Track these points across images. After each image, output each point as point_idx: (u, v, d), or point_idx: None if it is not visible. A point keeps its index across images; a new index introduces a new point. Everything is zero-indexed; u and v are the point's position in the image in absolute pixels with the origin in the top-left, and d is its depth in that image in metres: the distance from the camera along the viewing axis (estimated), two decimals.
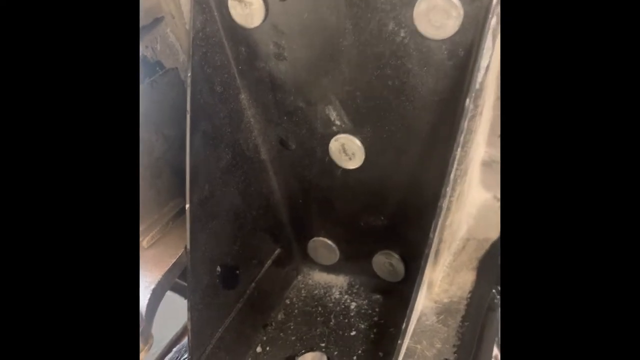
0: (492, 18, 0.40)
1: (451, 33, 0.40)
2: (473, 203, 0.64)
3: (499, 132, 0.55)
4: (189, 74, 0.46)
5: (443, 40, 0.41)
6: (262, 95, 0.50)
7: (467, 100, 0.42)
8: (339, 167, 0.51)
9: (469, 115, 0.43)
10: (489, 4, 0.40)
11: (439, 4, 0.40)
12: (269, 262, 0.56)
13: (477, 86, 0.41)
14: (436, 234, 0.48)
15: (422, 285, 0.51)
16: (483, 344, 0.57)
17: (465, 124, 0.43)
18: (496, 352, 0.59)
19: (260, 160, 0.53)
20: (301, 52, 0.46)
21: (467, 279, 0.58)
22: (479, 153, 0.57)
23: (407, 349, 0.52)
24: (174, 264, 0.49)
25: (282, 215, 0.57)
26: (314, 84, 0.48)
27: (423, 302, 0.56)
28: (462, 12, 0.40)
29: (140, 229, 0.55)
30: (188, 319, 0.46)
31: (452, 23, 0.41)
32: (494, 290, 0.60)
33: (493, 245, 0.61)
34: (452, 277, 0.58)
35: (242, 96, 0.51)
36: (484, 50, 0.40)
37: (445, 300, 0.56)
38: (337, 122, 0.48)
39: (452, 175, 0.46)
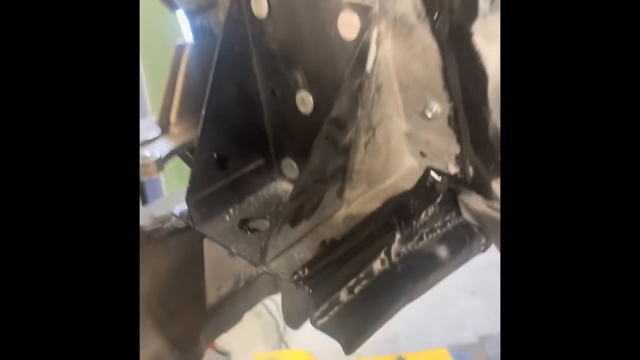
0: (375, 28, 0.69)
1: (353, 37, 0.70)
2: (405, 167, 0.92)
3: (411, 112, 0.82)
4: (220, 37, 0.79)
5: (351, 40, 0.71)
6: (263, 60, 0.82)
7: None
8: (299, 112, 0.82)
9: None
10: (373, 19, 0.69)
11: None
12: (251, 165, 0.88)
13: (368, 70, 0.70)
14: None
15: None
16: None
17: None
18: None
19: (256, 101, 0.86)
20: (283, 38, 0.78)
21: (374, 205, 0.87)
22: (398, 127, 0.85)
23: None
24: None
25: (268, 140, 0.89)
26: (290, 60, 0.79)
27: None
28: (357, 25, 0.70)
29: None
30: (190, 175, 0.80)
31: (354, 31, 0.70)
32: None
33: (406, 191, 0.89)
34: (365, 204, 0.87)
35: (254, 60, 0.84)
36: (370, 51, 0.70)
37: (354, 212, 0.85)
38: (300, 81, 0.80)
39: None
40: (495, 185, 0.87)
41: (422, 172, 0.91)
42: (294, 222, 0.76)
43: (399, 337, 3.25)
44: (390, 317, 0.83)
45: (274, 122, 0.86)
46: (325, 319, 0.77)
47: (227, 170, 0.84)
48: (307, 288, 0.74)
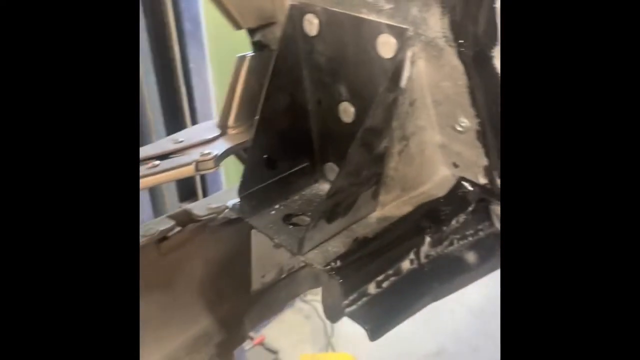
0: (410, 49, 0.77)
1: (390, 56, 0.79)
2: (439, 176, 1.00)
3: (444, 125, 0.90)
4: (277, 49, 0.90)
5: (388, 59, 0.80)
6: (312, 73, 0.92)
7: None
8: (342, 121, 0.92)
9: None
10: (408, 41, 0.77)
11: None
12: (297, 167, 0.99)
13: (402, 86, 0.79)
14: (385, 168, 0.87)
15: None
16: None
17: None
18: None
19: (305, 109, 0.96)
20: (330, 54, 0.88)
21: (407, 209, 0.94)
22: (432, 139, 0.92)
23: None
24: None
25: (313, 146, 0.99)
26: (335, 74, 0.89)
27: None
28: (394, 46, 0.78)
29: None
30: (243, 172, 0.90)
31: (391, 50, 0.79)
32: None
33: (438, 198, 0.96)
34: (398, 207, 0.94)
35: (304, 72, 0.94)
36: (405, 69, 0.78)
37: (387, 215, 0.93)
38: (343, 93, 0.89)
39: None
40: None
41: (454, 182, 0.98)
42: (330, 218, 0.85)
43: (446, 350, 3.27)
44: (414, 312, 0.91)
45: (319, 129, 0.96)
46: (354, 307, 0.85)
47: (275, 170, 0.95)
48: (338, 278, 0.83)
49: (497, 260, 1.05)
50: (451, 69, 0.77)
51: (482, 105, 0.79)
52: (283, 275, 1.10)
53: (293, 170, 0.97)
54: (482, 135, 0.84)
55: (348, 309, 0.85)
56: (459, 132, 0.87)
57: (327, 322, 3.29)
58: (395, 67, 0.78)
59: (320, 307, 3.36)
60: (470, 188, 0.97)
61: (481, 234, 1.06)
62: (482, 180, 0.93)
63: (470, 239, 1.04)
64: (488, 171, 0.90)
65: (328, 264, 0.83)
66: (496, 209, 1.00)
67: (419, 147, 0.91)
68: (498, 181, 0.91)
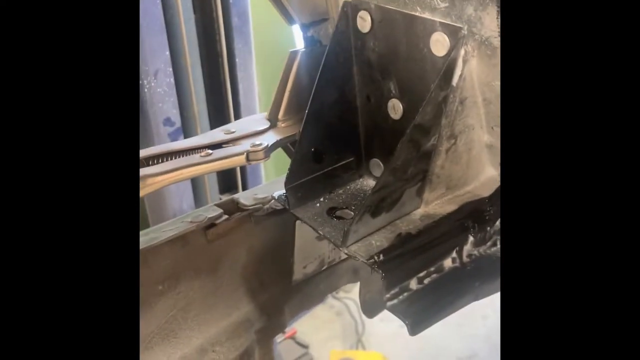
0: (463, 48, 0.78)
1: (443, 54, 0.79)
2: (485, 176, 1.00)
3: (493, 125, 0.90)
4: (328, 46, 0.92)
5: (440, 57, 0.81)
6: (362, 69, 0.94)
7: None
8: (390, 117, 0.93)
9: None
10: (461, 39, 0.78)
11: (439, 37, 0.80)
12: (344, 161, 1.00)
13: (454, 84, 0.79)
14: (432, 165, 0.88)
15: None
16: None
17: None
18: None
19: (353, 105, 0.97)
20: (381, 50, 0.89)
21: (451, 208, 0.95)
22: (480, 138, 0.92)
23: None
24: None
25: (360, 141, 1.00)
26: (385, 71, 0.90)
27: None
28: (447, 44, 0.79)
29: None
30: (290, 164, 0.93)
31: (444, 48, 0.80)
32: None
33: (483, 198, 0.96)
34: (442, 206, 0.95)
35: (354, 68, 0.95)
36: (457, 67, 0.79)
37: (431, 212, 0.94)
38: (393, 90, 0.91)
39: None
40: None
41: (500, 183, 0.98)
42: (374, 213, 0.87)
43: (477, 355, 3.24)
44: (455, 310, 0.91)
45: (366, 124, 0.98)
46: (395, 301, 0.86)
47: (322, 163, 0.96)
48: (380, 272, 0.84)
49: None
50: None
51: None
52: (324, 267, 1.12)
53: (339, 164, 0.99)
54: None
55: (389, 303, 0.86)
56: None
57: (359, 319, 3.30)
58: (448, 66, 0.78)
59: (352, 305, 3.37)
60: None
61: None
62: None
63: None
64: None
65: (371, 258, 0.84)
66: None
67: (466, 145, 0.92)
68: None
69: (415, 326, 0.85)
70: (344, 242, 0.86)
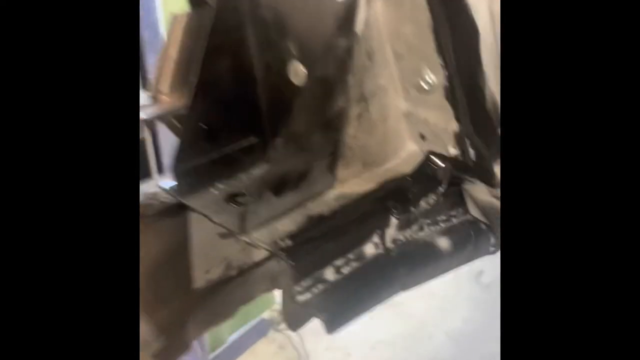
0: None
1: None
2: (406, 152, 0.89)
3: (408, 86, 0.79)
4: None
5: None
6: (258, 31, 0.82)
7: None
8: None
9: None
10: None
11: None
12: (245, 142, 0.86)
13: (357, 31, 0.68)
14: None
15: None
16: None
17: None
18: None
19: (252, 74, 0.84)
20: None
21: (369, 186, 0.83)
22: (395, 104, 0.82)
23: None
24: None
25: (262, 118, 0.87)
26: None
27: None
28: None
29: None
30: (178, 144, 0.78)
31: None
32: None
33: (404, 175, 0.85)
34: (359, 184, 0.83)
35: (248, 31, 0.83)
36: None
37: (347, 192, 0.81)
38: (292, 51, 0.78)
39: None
40: (498, 170, 0.82)
41: (422, 157, 0.87)
42: (278, 190, 0.73)
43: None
44: (379, 301, 0.78)
45: (269, 99, 0.84)
46: (308, 295, 0.72)
47: (217, 143, 0.82)
48: (287, 259, 0.70)
49: (473, 248, 0.94)
50: (412, 6, 0.67)
51: (447, 49, 0.68)
52: (233, 273, 0.96)
53: (239, 145, 0.85)
54: (450, 93, 0.74)
55: (301, 297, 0.72)
56: (425, 91, 0.77)
57: (303, 352, 3.11)
58: (348, 9, 0.67)
59: (294, 336, 3.17)
60: (440, 164, 0.86)
61: (454, 220, 0.95)
62: (453, 150, 0.82)
63: (442, 225, 0.93)
64: (459, 138, 0.80)
65: (276, 243, 0.70)
66: (470, 190, 0.89)
67: (380, 112, 0.80)
68: (471, 151, 0.80)
69: (333, 322, 0.71)
70: (242, 226, 0.72)
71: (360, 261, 0.78)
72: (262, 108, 0.85)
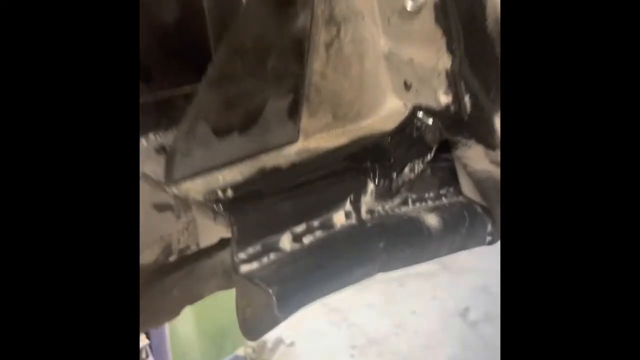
0: None
1: None
2: (387, 109, 0.73)
3: (389, 13, 0.64)
4: None
5: None
6: None
7: None
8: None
9: None
10: None
11: None
12: (187, 87, 0.70)
13: None
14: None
15: None
16: None
17: None
18: None
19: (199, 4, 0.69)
20: None
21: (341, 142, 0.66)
22: (375, 40, 0.66)
23: None
24: None
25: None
26: None
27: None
28: None
29: None
30: None
31: None
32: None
33: (385, 132, 0.69)
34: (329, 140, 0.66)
35: None
36: None
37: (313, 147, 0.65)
38: None
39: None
40: (499, 123, 0.67)
41: (407, 114, 0.71)
42: (219, 129, 0.56)
43: None
44: (351, 281, 0.61)
45: (218, 31, 0.69)
46: (255, 265, 0.55)
47: (150, 84, 0.66)
48: (227, 215, 0.53)
49: (467, 232, 0.77)
50: None
51: None
52: (172, 257, 0.77)
53: (179, 91, 0.69)
54: (441, 12, 0.59)
55: (244, 267, 0.54)
56: (409, 17, 0.61)
57: None
58: None
59: None
60: (427, 121, 0.70)
61: (444, 200, 0.78)
62: (444, 98, 0.66)
63: (430, 203, 0.76)
64: (451, 80, 0.64)
65: (213, 193, 0.53)
66: (464, 157, 0.73)
67: (355, 47, 0.65)
68: (466, 98, 0.65)
69: (285, 298, 0.53)
70: (169, 173, 0.54)
71: (326, 230, 0.61)
72: (208, 43, 0.69)
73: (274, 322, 0.84)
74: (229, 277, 0.90)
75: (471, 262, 3.42)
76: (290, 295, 0.53)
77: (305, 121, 0.64)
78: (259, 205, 0.55)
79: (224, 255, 0.88)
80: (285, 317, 0.52)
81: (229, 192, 0.53)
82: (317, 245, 0.59)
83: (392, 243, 0.64)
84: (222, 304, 2.40)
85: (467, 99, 0.64)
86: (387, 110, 0.72)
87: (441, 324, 2.98)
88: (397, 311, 3.09)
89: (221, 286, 0.90)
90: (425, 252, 0.69)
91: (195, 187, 0.54)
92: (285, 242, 0.57)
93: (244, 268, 0.53)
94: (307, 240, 0.59)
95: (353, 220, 0.64)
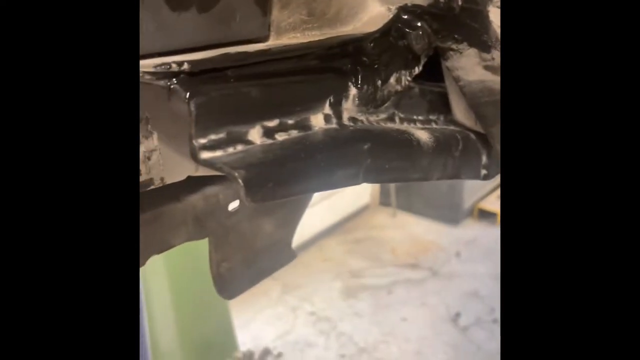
0: None
1: None
2: (369, 15, 0.66)
3: None
4: None
5: None
6: None
7: None
8: None
9: None
10: None
11: None
12: None
13: None
14: None
15: None
16: None
17: None
18: None
19: None
20: None
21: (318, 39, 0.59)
22: None
23: None
24: None
25: None
26: None
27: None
28: None
29: None
30: None
31: None
32: None
33: (366, 34, 0.61)
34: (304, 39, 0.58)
35: None
36: None
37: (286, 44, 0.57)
38: None
39: None
40: (495, 16, 0.60)
41: (391, 18, 0.64)
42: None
43: None
44: (331, 185, 0.52)
45: None
46: (218, 152, 0.46)
47: None
48: (182, 90, 0.44)
49: (460, 161, 0.69)
50: None
51: None
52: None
53: None
54: None
55: (206, 154, 0.46)
56: None
57: None
58: None
59: None
60: (415, 24, 0.63)
61: (434, 125, 0.71)
62: None
63: (420, 125, 0.69)
64: None
65: (164, 64, 0.45)
66: (456, 67, 0.65)
67: None
68: None
69: (254, 184, 0.44)
70: None
71: (303, 131, 0.53)
72: None
73: (251, 280, 0.75)
74: (201, 225, 0.82)
75: (460, 267, 3.35)
76: (261, 182, 0.44)
77: (276, 14, 0.57)
78: (223, 87, 0.47)
79: (195, 199, 0.79)
80: (254, 200, 0.43)
81: (186, 66, 0.45)
82: (292, 141, 0.51)
83: (377, 148, 0.56)
84: (206, 313, 2.29)
85: None
86: (368, 16, 0.65)
87: (432, 331, 2.89)
88: (387, 319, 3.00)
89: (192, 236, 0.81)
90: (417, 167, 0.61)
91: (145, 63, 0.46)
92: (255, 135, 0.49)
93: (205, 154, 0.45)
94: (280, 137, 0.51)
95: (333, 124, 0.56)
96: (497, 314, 2.90)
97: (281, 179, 0.46)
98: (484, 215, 3.94)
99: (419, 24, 0.62)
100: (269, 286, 3.18)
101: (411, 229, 3.88)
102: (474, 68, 0.63)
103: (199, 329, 2.24)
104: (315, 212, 3.51)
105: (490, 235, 3.68)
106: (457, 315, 3.00)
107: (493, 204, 3.94)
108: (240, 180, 0.43)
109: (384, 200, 4.16)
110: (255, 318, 2.96)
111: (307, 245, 3.59)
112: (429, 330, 2.89)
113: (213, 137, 0.46)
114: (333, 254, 3.61)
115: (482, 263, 3.34)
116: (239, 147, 0.48)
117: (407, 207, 4.03)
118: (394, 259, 3.54)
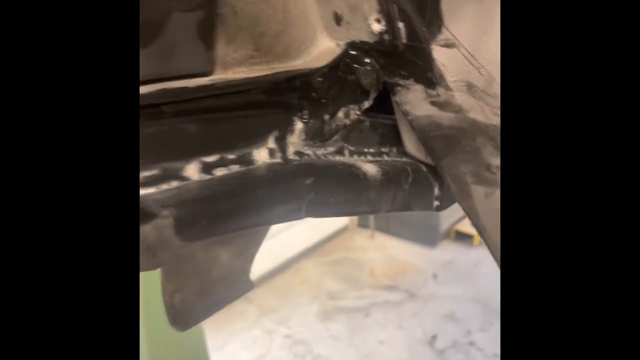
0: None
1: None
2: (318, 50, 0.66)
3: None
4: None
5: None
6: None
7: None
8: None
9: None
10: None
11: None
12: None
13: None
14: None
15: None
16: None
17: None
18: None
19: None
20: None
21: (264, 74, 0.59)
22: None
23: None
24: None
25: None
26: None
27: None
28: None
29: None
30: None
31: None
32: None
33: (314, 69, 0.62)
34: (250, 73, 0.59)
35: None
36: None
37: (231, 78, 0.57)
38: None
39: None
40: (439, 54, 0.61)
41: (339, 52, 0.64)
42: None
43: None
44: (272, 220, 0.52)
45: None
46: (150, 189, 0.46)
47: None
48: None
49: (410, 192, 0.70)
50: None
51: None
52: None
53: None
54: None
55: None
56: None
57: None
58: None
59: None
60: (363, 60, 0.64)
61: (385, 157, 0.71)
62: (377, 26, 0.60)
63: (370, 157, 0.69)
64: (383, 5, 0.58)
65: None
66: (403, 98, 0.66)
67: None
68: (400, 26, 0.59)
69: (186, 222, 0.44)
70: None
71: (245, 166, 0.53)
72: None
73: (206, 311, 0.74)
74: (153, 256, 0.81)
75: (437, 289, 3.35)
76: (193, 220, 0.44)
77: (222, 48, 0.57)
78: (157, 123, 0.47)
79: (147, 230, 0.78)
80: (187, 239, 0.43)
81: None
82: (232, 176, 0.51)
83: (321, 181, 0.57)
84: (179, 335, 2.26)
85: (401, 25, 0.58)
86: (319, 52, 0.65)
87: (409, 353, 2.88)
88: (363, 341, 2.98)
89: (144, 266, 0.80)
90: (363, 200, 0.62)
91: None
92: (192, 171, 0.49)
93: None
94: (219, 172, 0.51)
95: (278, 159, 0.56)
96: (473, 337, 2.90)
97: (216, 215, 0.46)
98: (461, 237, 3.96)
99: (367, 60, 0.63)
100: (244, 308, 3.15)
101: (389, 251, 3.89)
102: (421, 103, 0.64)
103: (172, 351, 2.21)
104: (293, 234, 3.50)
105: (467, 258, 3.70)
106: (434, 337, 3.00)
107: (469, 226, 3.96)
108: (171, 219, 0.42)
109: (362, 222, 4.16)
110: (230, 341, 2.93)
111: (284, 267, 3.57)
112: (405, 353, 2.88)
113: (146, 173, 0.46)
114: (310, 276, 3.59)
115: (458, 285, 3.35)
116: (174, 184, 0.47)
117: (385, 228, 4.04)
118: (371, 280, 3.53)
